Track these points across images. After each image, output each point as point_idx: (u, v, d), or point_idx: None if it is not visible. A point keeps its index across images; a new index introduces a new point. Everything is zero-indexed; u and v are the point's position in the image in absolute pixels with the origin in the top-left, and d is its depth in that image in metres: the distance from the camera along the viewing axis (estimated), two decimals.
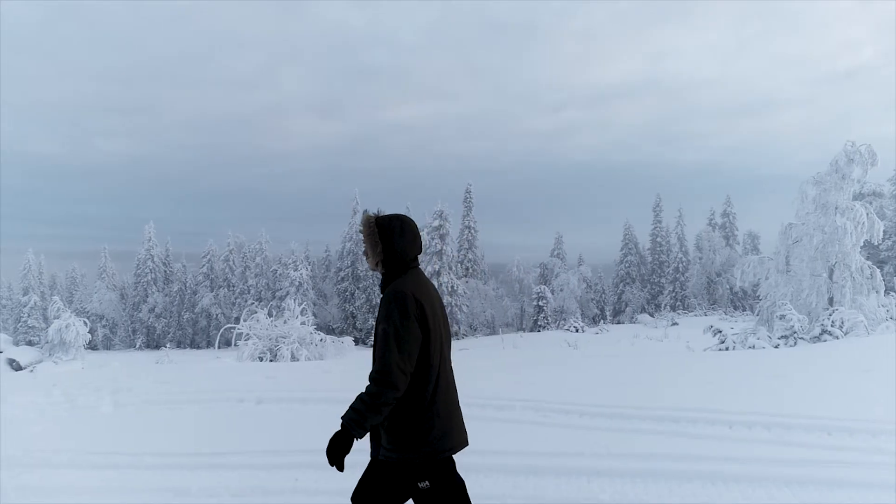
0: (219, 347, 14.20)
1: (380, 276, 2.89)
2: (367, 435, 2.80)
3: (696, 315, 43.42)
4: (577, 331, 37.37)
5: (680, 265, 48.84)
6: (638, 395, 7.43)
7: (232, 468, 5.01)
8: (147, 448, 5.67)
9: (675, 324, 37.92)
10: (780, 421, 5.83)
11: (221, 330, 14.07)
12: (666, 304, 47.95)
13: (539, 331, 42.72)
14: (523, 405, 6.86)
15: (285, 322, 14.10)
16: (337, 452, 2.63)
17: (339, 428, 2.64)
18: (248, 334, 13.52)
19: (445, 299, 42.47)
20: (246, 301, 49.42)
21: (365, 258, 2.91)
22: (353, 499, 2.83)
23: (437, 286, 43.33)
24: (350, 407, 2.63)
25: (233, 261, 53.35)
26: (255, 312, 14.44)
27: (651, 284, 53.21)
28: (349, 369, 11.40)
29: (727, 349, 13.94)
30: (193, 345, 53.97)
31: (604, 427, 5.89)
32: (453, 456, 2.83)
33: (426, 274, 40.06)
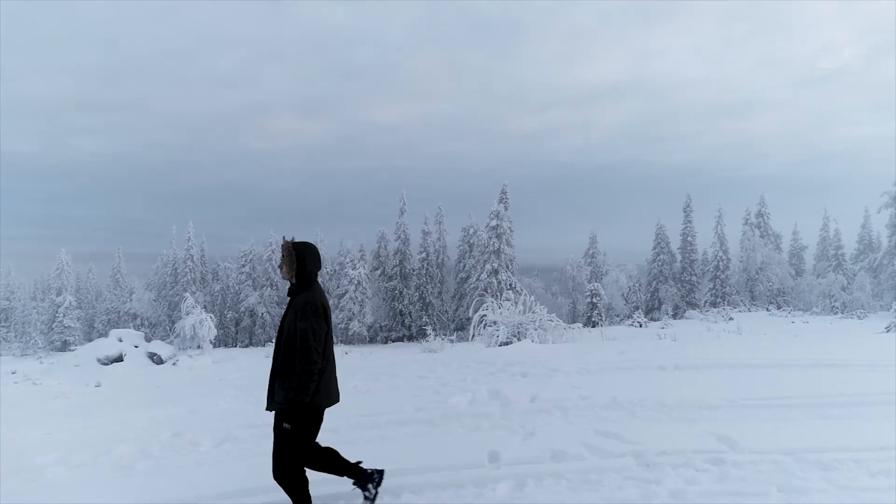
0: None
1: (289, 283, 4.11)
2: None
3: (740, 311, 45.47)
4: (640, 325, 38.96)
5: (720, 262, 51.00)
6: None
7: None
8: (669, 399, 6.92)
9: (731, 318, 39.80)
10: None
11: (475, 318, 15.19)
12: (706, 301, 50.02)
13: (593, 326, 44.29)
14: None
15: (522, 311, 15.37)
16: (298, 418, 3.81)
17: (287, 405, 3.81)
18: (494, 321, 14.72)
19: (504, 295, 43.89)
20: None
21: (279, 269, 4.15)
22: (274, 470, 3.97)
23: (495, 284, 44.90)
24: (290, 387, 3.79)
25: (275, 260, 53.91)
26: (485, 302, 15.63)
27: (682, 282, 55.28)
28: (660, 345, 12.65)
29: None
30: (235, 343, 54.38)
31: None
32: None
33: (485, 272, 41.23)
